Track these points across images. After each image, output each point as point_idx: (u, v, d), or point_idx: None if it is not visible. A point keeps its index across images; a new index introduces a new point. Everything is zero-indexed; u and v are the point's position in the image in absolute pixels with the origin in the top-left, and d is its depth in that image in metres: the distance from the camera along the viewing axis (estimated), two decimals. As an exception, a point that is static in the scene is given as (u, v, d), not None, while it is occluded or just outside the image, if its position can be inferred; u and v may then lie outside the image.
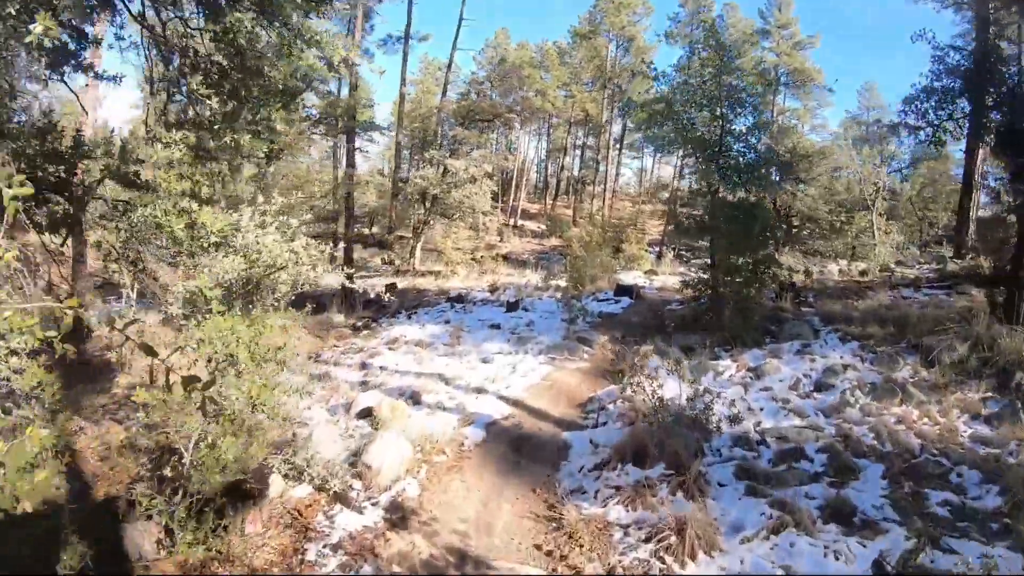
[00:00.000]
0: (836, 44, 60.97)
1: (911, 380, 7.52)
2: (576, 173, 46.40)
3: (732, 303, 9.91)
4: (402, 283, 20.57)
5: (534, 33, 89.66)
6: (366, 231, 32.60)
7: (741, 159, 10.28)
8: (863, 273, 15.31)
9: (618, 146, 41.20)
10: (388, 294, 17.97)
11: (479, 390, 8.28)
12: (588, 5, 36.09)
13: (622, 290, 15.30)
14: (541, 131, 47.49)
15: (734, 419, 6.24)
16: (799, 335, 9.39)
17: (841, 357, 8.38)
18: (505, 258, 26.12)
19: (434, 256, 24.42)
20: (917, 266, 15.15)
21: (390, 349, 11.16)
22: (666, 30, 33.56)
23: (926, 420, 6.70)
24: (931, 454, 5.99)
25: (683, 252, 27.34)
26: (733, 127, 10.65)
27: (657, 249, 27.37)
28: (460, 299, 16.16)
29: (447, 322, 13.08)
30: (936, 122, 9.24)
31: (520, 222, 36.56)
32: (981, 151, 13.49)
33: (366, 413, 7.55)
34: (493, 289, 18.35)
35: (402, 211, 26.90)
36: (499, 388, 8.31)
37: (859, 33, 72.03)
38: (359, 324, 14.11)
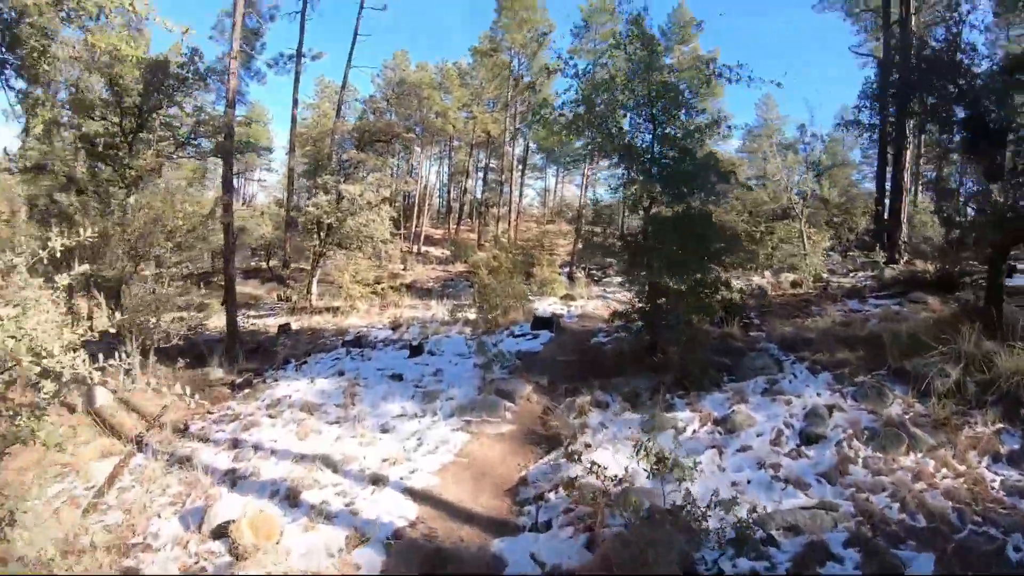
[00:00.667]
0: (734, 57, 63.55)
1: (908, 418, 6.19)
2: (479, 196, 45.36)
3: (683, 336, 8.32)
4: (297, 323, 18.09)
5: (433, 54, 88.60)
6: (263, 265, 29.88)
7: (680, 167, 8.76)
8: (795, 284, 14.45)
9: (521, 167, 40.52)
10: (280, 337, 15.63)
11: (376, 479, 6.15)
12: (489, 23, 35.25)
13: (540, 322, 13.44)
14: (443, 154, 46.26)
15: (723, 506, 4.53)
16: (762, 369, 7.89)
17: (818, 394, 6.94)
18: (409, 287, 24.04)
19: (334, 289, 22.10)
20: (850, 274, 14.42)
21: (270, 416, 8.87)
22: (569, 47, 32.68)
23: (946, 471, 5.34)
24: (973, 523, 4.60)
25: (594, 271, 26.48)
26: (667, 131, 9.23)
27: (567, 269, 26.28)
28: (358, 342, 13.87)
29: (341, 373, 10.83)
30: (892, 119, 8.26)
31: (424, 248, 34.79)
32: (909, 151, 12.95)
33: (224, 530, 5.37)
34: (395, 326, 16.19)
35: (299, 243, 24.55)
36: (402, 473, 6.22)
37: (754, 45, 76.28)
38: (240, 381, 11.62)
